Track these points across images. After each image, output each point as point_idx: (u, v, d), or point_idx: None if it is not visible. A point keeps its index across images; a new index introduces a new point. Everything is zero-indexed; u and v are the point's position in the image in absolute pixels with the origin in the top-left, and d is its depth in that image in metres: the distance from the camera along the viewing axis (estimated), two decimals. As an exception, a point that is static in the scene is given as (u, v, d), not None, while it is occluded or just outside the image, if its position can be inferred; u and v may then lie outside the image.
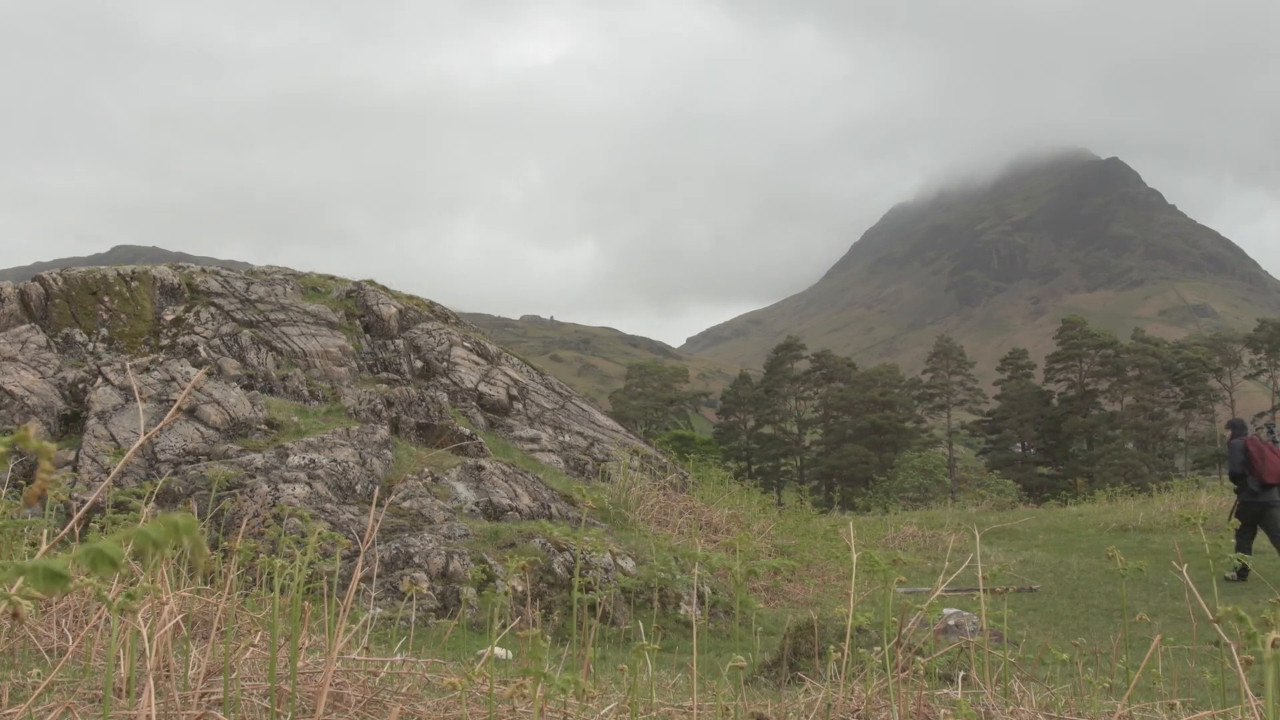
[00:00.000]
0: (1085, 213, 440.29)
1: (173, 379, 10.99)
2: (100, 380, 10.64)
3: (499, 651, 4.34)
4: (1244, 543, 11.93)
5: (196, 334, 12.83)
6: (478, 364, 14.75)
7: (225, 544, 3.49)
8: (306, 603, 2.98)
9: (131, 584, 2.80)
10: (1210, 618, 3.08)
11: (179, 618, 2.98)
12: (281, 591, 2.91)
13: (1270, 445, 11.88)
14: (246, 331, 13.16)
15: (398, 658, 3.34)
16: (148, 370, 11.08)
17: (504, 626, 6.00)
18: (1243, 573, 11.29)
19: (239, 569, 3.69)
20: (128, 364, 11.17)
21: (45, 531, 4.59)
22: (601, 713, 2.82)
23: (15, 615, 0.68)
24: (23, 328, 12.05)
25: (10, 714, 2.41)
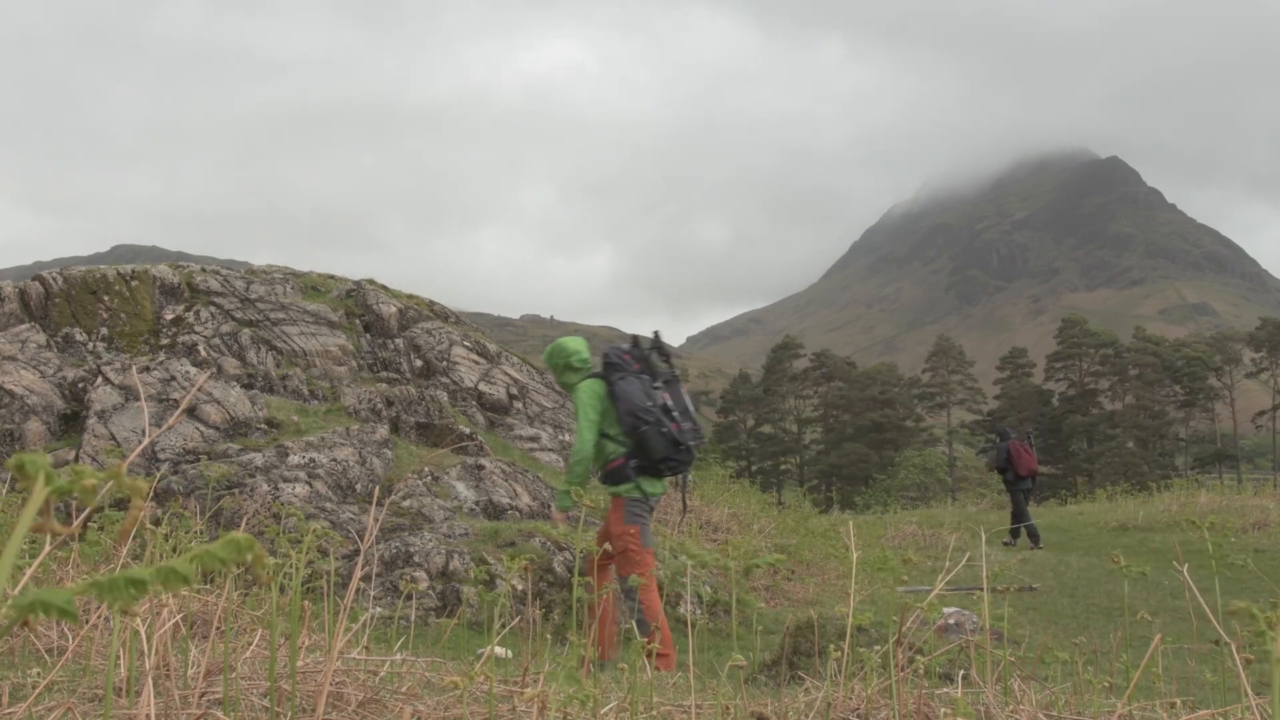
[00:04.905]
0: (1085, 212, 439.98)
1: (173, 378, 10.99)
2: (100, 379, 10.64)
3: (499, 650, 4.34)
4: (1021, 518, 15.66)
5: (196, 333, 12.82)
6: (478, 363, 14.75)
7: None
8: (306, 602, 2.98)
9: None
10: (1210, 616, 3.08)
11: (178, 617, 2.98)
12: (281, 590, 2.91)
13: (1026, 447, 15.69)
14: (246, 331, 13.15)
15: (397, 657, 3.34)
16: (148, 369, 11.08)
17: (504, 626, 6.00)
18: (1015, 534, 15.57)
19: (238, 568, 3.69)
20: (128, 363, 11.17)
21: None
22: (601, 712, 2.82)
23: (25, 625, 0.69)
24: (23, 327, 12.05)
25: (10, 714, 2.42)
